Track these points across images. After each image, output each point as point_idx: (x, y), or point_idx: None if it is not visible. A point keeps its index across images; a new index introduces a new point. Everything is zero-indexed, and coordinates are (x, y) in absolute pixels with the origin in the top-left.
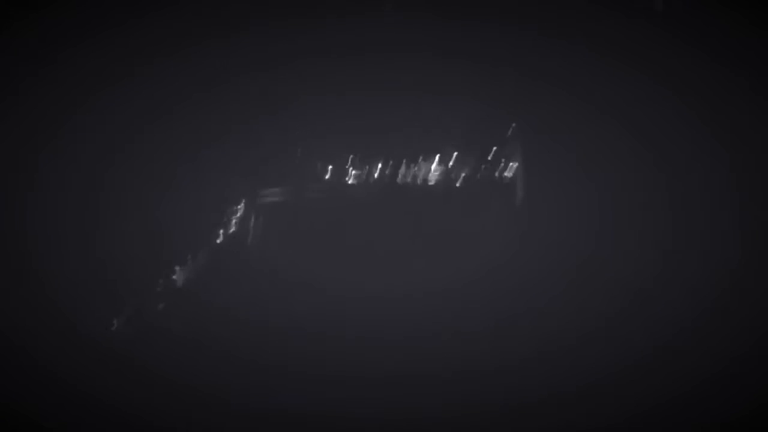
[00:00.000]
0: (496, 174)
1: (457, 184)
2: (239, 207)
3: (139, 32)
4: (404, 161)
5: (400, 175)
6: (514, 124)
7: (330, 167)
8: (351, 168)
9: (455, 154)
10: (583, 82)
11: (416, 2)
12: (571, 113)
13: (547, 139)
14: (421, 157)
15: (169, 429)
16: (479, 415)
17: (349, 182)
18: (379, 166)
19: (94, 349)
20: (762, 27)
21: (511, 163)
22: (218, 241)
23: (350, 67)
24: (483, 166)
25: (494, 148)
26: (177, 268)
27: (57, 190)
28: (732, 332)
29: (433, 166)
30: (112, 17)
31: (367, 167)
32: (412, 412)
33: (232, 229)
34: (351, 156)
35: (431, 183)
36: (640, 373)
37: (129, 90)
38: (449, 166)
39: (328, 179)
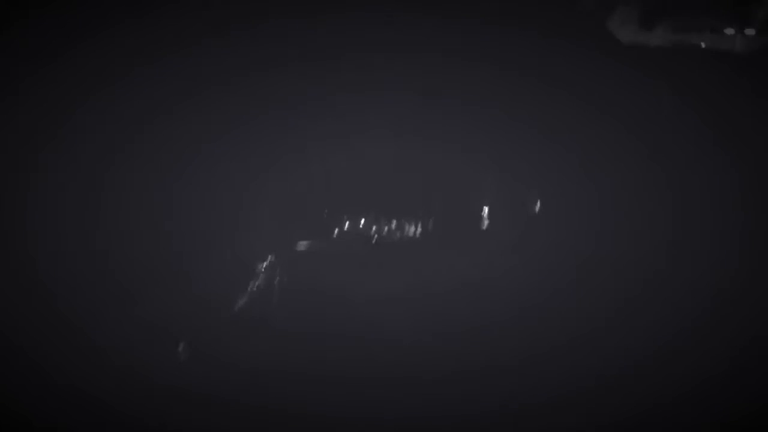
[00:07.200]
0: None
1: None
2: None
3: (139, 32)
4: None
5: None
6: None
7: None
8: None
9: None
10: (583, 82)
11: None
12: (571, 113)
13: (547, 140)
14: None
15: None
16: (477, 417)
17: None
18: None
19: (94, 351)
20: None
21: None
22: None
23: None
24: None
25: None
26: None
27: (57, 190)
28: (733, 332)
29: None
30: (113, 17)
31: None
32: (412, 412)
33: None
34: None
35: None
36: (640, 373)
37: (129, 90)
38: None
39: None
